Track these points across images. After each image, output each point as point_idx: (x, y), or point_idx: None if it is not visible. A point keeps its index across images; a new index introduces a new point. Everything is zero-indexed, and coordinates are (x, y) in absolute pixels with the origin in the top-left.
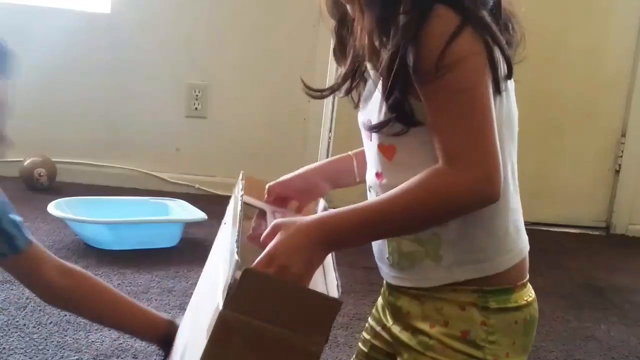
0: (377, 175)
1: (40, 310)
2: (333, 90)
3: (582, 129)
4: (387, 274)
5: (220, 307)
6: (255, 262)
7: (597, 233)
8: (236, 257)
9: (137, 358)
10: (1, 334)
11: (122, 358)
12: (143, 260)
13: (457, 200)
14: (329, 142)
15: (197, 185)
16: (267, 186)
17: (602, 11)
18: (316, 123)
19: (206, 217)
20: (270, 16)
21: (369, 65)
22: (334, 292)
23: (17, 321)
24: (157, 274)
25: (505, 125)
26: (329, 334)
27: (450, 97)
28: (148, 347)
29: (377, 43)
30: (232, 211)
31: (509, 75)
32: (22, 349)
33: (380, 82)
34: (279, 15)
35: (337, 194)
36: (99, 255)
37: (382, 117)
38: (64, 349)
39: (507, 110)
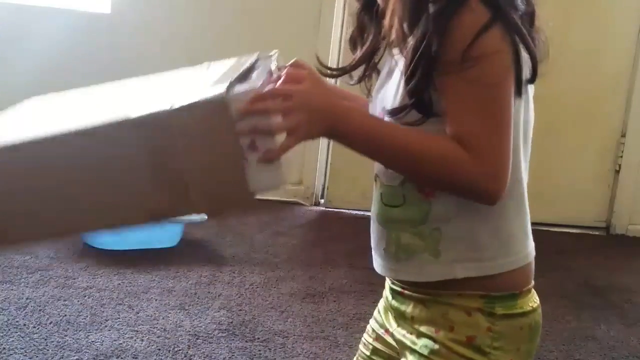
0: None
1: (40, 310)
2: (344, 71)
3: (582, 129)
4: (382, 265)
5: (224, 93)
6: (270, 87)
7: (597, 233)
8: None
9: (137, 358)
10: (1, 334)
11: (122, 358)
12: (143, 260)
13: (458, 181)
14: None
15: None
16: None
17: (602, 11)
18: None
19: (206, 217)
20: (271, 16)
21: (394, 51)
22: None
23: (17, 321)
24: (157, 274)
25: (522, 129)
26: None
27: (472, 89)
28: (148, 347)
29: (406, 28)
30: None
31: (531, 80)
32: (22, 349)
33: (403, 67)
34: (279, 15)
35: (337, 195)
36: (99, 255)
37: (398, 103)
38: (63, 349)
39: (526, 115)
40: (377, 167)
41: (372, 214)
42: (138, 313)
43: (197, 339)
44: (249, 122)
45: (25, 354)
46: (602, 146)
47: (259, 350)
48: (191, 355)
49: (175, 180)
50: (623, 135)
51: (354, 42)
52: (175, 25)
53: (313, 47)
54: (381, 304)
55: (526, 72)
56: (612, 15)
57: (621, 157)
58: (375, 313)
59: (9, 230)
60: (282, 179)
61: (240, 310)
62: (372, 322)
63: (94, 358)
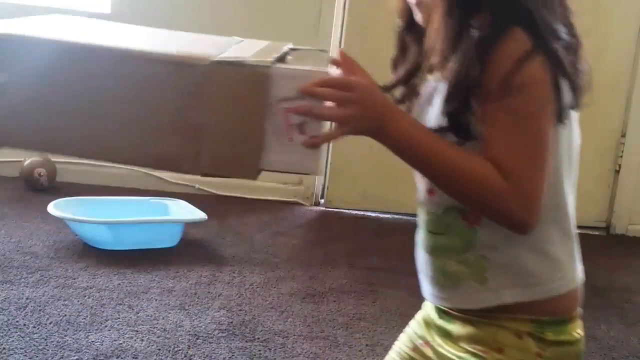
0: (430, 191)
1: (40, 310)
2: (383, 90)
3: (582, 129)
4: (429, 292)
5: (268, 63)
6: (335, 74)
7: (597, 233)
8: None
9: (137, 358)
10: (1, 334)
11: (122, 358)
12: (143, 260)
13: (490, 205)
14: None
15: (197, 185)
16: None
17: (603, 11)
18: None
19: (206, 217)
20: (271, 16)
21: (434, 75)
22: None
23: (17, 321)
24: (157, 274)
25: (566, 153)
26: None
27: (510, 118)
28: (148, 347)
29: (448, 51)
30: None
31: (573, 106)
32: (22, 349)
33: (442, 88)
34: (279, 15)
35: (337, 195)
36: (99, 255)
37: (437, 124)
38: (63, 349)
39: (569, 139)
40: (421, 195)
41: (418, 240)
42: (138, 313)
43: (197, 339)
44: (304, 103)
45: (25, 354)
46: (602, 146)
47: (259, 350)
48: (191, 355)
49: (192, 132)
50: (623, 135)
51: (395, 62)
52: (174, 26)
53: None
54: (420, 315)
55: (568, 99)
56: (612, 15)
57: (621, 157)
58: (413, 323)
59: (22, 125)
60: (317, 167)
61: (240, 310)
62: (409, 331)
63: (94, 358)
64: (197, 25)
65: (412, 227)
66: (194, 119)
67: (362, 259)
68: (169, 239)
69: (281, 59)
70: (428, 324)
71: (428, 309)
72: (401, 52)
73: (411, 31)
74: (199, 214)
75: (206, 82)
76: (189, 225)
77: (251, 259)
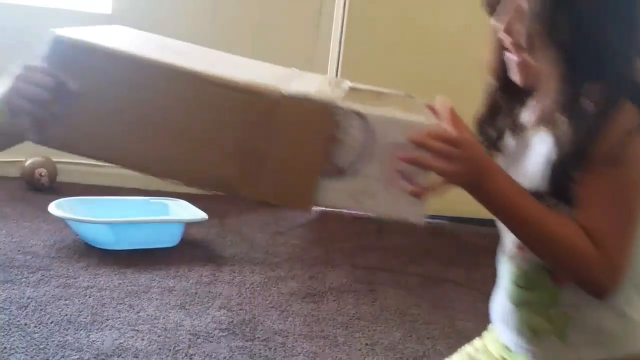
0: (520, 247)
1: (41, 309)
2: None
3: None
4: (514, 341)
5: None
6: (438, 126)
7: None
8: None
9: (137, 357)
10: (2, 334)
11: (122, 357)
12: (143, 260)
13: (577, 270)
14: None
15: None
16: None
17: None
18: None
19: (206, 217)
20: (271, 16)
21: (529, 133)
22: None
23: (18, 320)
24: (157, 274)
25: None
26: None
27: (612, 188)
28: (149, 346)
29: (558, 115)
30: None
31: None
32: (23, 348)
33: (540, 147)
34: (279, 15)
35: None
36: (100, 255)
37: (531, 186)
38: (65, 349)
39: None
40: (508, 248)
41: (502, 289)
42: (139, 312)
43: (197, 338)
44: (417, 153)
45: (26, 353)
46: None
47: (259, 350)
48: (191, 355)
49: (254, 159)
50: None
51: (482, 121)
52: (175, 26)
53: (313, 47)
54: (489, 344)
55: None
56: None
57: None
58: (478, 344)
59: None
60: (423, 215)
61: (241, 309)
62: (470, 351)
63: (94, 357)
64: (198, 26)
65: (412, 227)
66: (257, 147)
67: (362, 259)
68: (170, 239)
69: (347, 96)
70: (499, 353)
71: (497, 345)
72: (490, 112)
73: (506, 92)
74: (199, 214)
75: (274, 113)
76: (190, 225)
77: (251, 258)
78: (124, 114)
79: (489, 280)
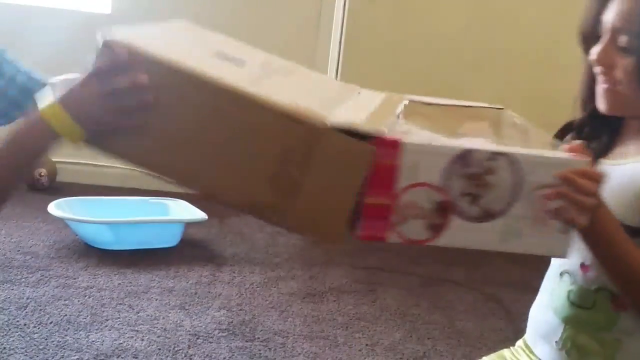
0: (583, 266)
1: (40, 310)
2: None
3: None
4: (548, 353)
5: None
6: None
7: None
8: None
9: (137, 358)
10: (2, 334)
11: (122, 358)
12: (143, 260)
13: None
14: None
15: None
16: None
17: None
18: None
19: (206, 217)
20: (271, 16)
21: (614, 162)
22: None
23: (18, 321)
24: (157, 274)
25: None
26: None
27: None
28: (148, 346)
29: None
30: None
31: None
32: (22, 348)
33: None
34: (279, 15)
35: None
36: (100, 255)
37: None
38: (64, 349)
39: None
40: (570, 265)
41: (550, 305)
42: (138, 313)
43: (197, 338)
44: (566, 189)
45: (25, 353)
46: None
47: (259, 350)
48: (191, 355)
49: (289, 187)
50: None
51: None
52: None
53: (313, 47)
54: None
55: None
56: None
57: None
58: (507, 354)
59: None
60: (568, 249)
61: (240, 310)
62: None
63: (94, 358)
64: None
65: None
66: (293, 175)
67: (362, 259)
68: (169, 239)
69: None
70: None
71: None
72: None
73: (594, 121)
74: (199, 214)
75: (315, 143)
76: (189, 225)
77: (251, 258)
78: (171, 128)
79: (489, 280)
